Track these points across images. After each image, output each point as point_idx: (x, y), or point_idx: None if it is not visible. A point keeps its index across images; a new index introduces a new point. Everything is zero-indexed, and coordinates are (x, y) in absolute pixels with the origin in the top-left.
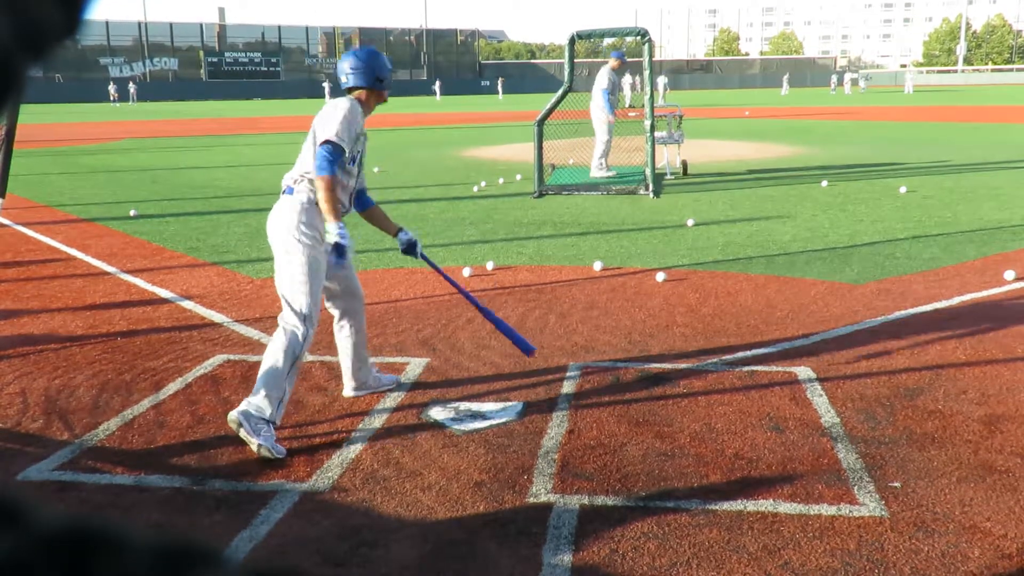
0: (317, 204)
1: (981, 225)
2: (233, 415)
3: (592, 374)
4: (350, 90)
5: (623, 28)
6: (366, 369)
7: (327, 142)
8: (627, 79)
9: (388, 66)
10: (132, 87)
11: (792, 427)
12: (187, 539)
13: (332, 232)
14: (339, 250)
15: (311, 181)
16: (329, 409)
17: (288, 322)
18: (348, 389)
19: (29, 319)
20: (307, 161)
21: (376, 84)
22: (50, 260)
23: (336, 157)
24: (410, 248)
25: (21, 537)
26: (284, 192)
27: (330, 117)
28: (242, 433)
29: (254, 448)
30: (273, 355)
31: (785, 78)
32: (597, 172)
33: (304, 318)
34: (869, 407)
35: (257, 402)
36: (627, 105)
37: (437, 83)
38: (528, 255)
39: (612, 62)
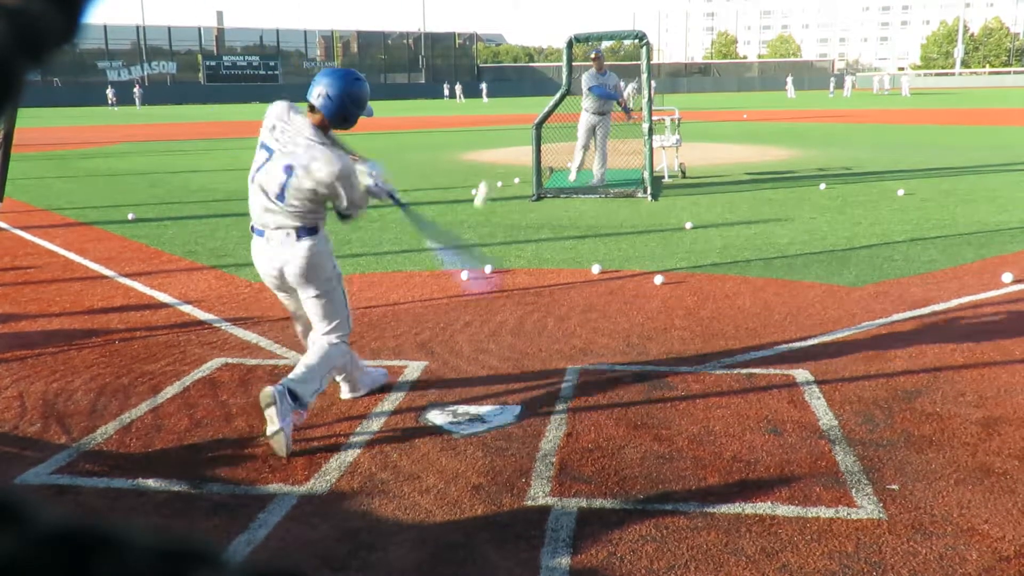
0: (322, 229)
1: (979, 228)
2: (270, 389)
3: (590, 377)
4: (312, 108)
5: (621, 31)
6: (359, 371)
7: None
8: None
9: (364, 108)
10: (136, 90)
11: (790, 430)
12: (187, 539)
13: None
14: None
15: (311, 213)
16: (327, 412)
17: (329, 342)
18: (345, 391)
19: (27, 323)
20: (299, 204)
21: (340, 124)
22: (48, 264)
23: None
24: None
25: (22, 537)
26: (298, 236)
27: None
28: (271, 411)
29: (270, 431)
30: (317, 354)
31: (789, 80)
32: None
33: (344, 335)
34: (867, 409)
35: (300, 383)
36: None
37: (458, 86)
38: (526, 258)
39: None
